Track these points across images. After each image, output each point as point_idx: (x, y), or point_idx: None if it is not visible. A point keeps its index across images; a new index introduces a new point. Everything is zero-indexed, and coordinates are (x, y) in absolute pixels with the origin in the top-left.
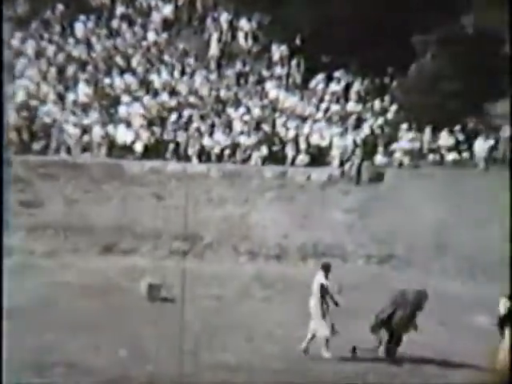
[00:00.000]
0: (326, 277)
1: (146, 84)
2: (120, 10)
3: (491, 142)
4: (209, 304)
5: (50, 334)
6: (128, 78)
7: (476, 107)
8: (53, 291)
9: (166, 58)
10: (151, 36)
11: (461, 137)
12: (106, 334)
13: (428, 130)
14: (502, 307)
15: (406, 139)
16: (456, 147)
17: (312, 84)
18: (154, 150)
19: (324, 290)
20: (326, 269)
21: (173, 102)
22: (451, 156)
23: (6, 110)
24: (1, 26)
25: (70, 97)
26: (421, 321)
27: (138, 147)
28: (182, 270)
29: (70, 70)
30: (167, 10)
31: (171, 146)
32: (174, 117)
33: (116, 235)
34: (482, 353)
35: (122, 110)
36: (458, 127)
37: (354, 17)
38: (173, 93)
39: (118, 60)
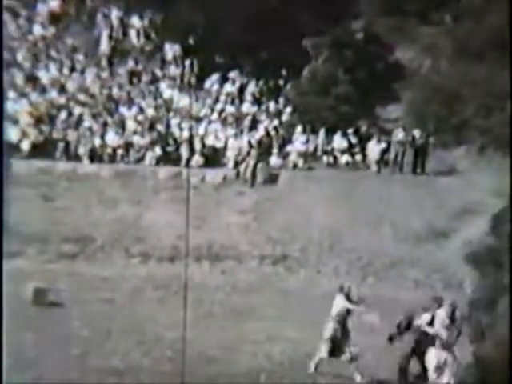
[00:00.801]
0: (349, 299)
1: (33, 80)
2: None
3: (383, 145)
4: (99, 308)
5: None
6: (14, 72)
7: (367, 111)
8: None
9: (54, 53)
10: (37, 30)
11: (354, 139)
12: None
13: (322, 133)
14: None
15: (300, 141)
16: (349, 150)
17: (206, 85)
18: (42, 149)
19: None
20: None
21: (62, 100)
22: (344, 158)
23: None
24: (1, 25)
25: None
26: (312, 319)
27: (25, 146)
28: (72, 273)
29: None
30: (54, 3)
31: (61, 146)
32: (63, 115)
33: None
34: (370, 349)
35: (8, 107)
36: (351, 130)
37: (247, 18)
38: (62, 90)
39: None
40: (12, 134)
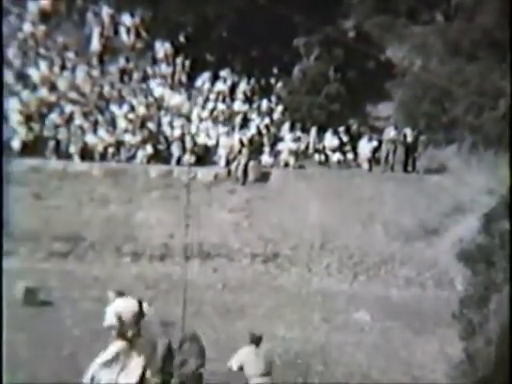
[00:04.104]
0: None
1: (23, 78)
2: None
3: (374, 143)
4: (90, 307)
5: None
6: (4, 70)
7: (358, 109)
8: None
9: (45, 51)
10: (28, 27)
11: (345, 138)
12: None
13: (313, 131)
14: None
15: (291, 139)
16: (340, 148)
17: (198, 83)
18: (33, 148)
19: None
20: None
21: (53, 98)
22: (336, 156)
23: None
24: (1, 25)
25: None
26: (304, 317)
27: (16, 144)
28: (63, 272)
29: None
30: (45, 1)
31: (51, 144)
32: (54, 113)
33: None
34: (360, 347)
35: None
36: (342, 128)
37: (237, 16)
38: (53, 88)
39: None
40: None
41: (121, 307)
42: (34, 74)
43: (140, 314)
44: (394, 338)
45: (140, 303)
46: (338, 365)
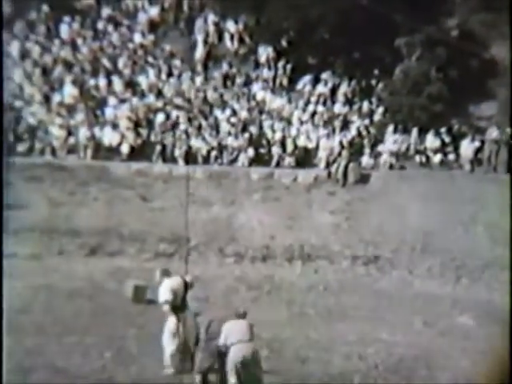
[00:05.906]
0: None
1: (132, 85)
2: (106, 11)
3: (477, 143)
4: (194, 306)
5: (33, 337)
6: (114, 79)
7: (460, 109)
8: (37, 294)
9: (153, 59)
10: (137, 38)
11: (447, 138)
12: (92, 337)
13: (414, 132)
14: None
15: (392, 141)
16: (442, 149)
17: (299, 86)
18: (140, 152)
19: None
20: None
21: (159, 104)
22: (437, 157)
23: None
24: (1, 25)
25: (56, 98)
26: (406, 321)
27: (125, 149)
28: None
29: (56, 71)
30: (153, 12)
31: (158, 148)
32: (160, 118)
33: (102, 237)
34: (465, 352)
35: (109, 112)
36: (443, 129)
37: (338, 19)
38: (159, 94)
39: (104, 61)
40: (112, 137)
41: (174, 284)
42: (142, 81)
43: (185, 288)
44: (498, 344)
45: (185, 280)
46: (443, 370)
